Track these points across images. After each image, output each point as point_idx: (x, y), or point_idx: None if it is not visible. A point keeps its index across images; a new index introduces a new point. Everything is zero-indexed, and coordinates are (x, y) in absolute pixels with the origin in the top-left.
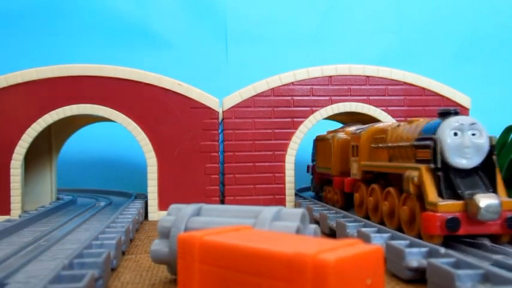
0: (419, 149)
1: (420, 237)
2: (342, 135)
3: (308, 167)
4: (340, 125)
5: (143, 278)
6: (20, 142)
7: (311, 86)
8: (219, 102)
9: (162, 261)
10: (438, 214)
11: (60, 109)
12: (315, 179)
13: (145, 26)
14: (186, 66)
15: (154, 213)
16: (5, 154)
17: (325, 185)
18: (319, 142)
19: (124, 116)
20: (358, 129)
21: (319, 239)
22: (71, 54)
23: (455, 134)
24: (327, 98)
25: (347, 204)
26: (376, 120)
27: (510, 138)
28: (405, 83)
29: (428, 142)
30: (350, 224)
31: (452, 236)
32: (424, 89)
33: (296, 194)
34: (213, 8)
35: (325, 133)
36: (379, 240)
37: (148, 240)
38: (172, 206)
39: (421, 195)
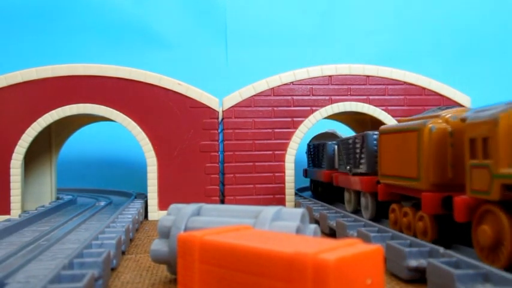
0: None
1: None
2: (438, 123)
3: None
4: (341, 125)
5: (143, 277)
6: (20, 142)
7: (311, 86)
8: (219, 101)
9: (162, 260)
10: None
11: (60, 109)
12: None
13: (145, 26)
14: (186, 66)
15: (154, 213)
16: (5, 154)
17: (394, 202)
18: (385, 136)
19: (124, 116)
20: (483, 111)
21: (319, 239)
22: (70, 54)
23: None
24: (327, 97)
25: (443, 237)
26: (377, 120)
27: None
28: (405, 83)
29: None
30: (350, 223)
31: (452, 236)
32: (424, 88)
33: (296, 194)
34: (213, 8)
35: (390, 124)
36: (379, 240)
37: (148, 239)
38: (172, 206)
39: None
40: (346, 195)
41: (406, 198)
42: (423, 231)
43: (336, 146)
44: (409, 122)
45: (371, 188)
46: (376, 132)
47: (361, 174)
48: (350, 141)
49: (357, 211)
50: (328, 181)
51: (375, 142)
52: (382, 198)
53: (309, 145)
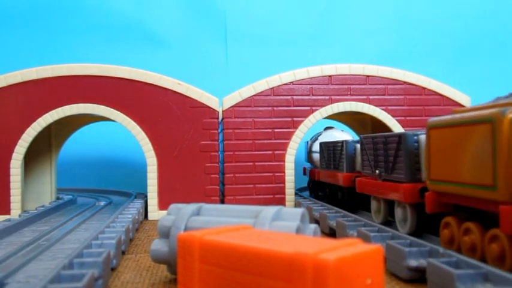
0: None
1: None
2: None
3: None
4: (341, 125)
5: (143, 277)
6: (20, 142)
7: (311, 86)
8: (219, 101)
9: (162, 260)
10: None
11: (60, 108)
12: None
13: (145, 26)
14: (185, 66)
15: (154, 213)
16: (5, 154)
17: (446, 214)
18: (438, 132)
19: (124, 116)
20: None
21: (319, 239)
22: (70, 54)
23: None
24: (327, 97)
25: None
26: (377, 120)
27: None
28: (405, 83)
29: None
30: (350, 223)
31: None
32: (424, 88)
33: (296, 194)
34: (213, 8)
35: (442, 117)
36: (379, 240)
37: (148, 239)
38: (172, 206)
39: None
40: (374, 204)
41: (461, 209)
42: (498, 256)
43: (358, 145)
44: (477, 112)
45: (413, 198)
46: (417, 132)
47: (396, 181)
48: (378, 140)
49: (388, 222)
50: (349, 186)
51: (415, 144)
52: (431, 209)
53: (321, 144)
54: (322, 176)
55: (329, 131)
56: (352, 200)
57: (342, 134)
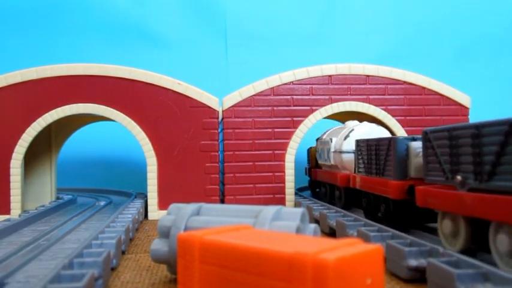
0: None
1: None
2: None
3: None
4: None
5: (143, 277)
6: (20, 142)
7: (311, 85)
8: (219, 101)
9: (162, 260)
10: None
11: (60, 109)
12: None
13: (145, 25)
14: (185, 65)
15: (154, 213)
16: (5, 154)
17: None
18: None
19: (124, 116)
20: None
21: (319, 239)
22: (70, 54)
23: None
24: (327, 97)
25: None
26: (377, 120)
27: None
28: (405, 82)
29: None
30: (350, 223)
31: None
32: (424, 88)
33: (296, 193)
34: (213, 8)
35: None
36: (379, 239)
37: (148, 239)
38: (172, 206)
39: None
40: (447, 224)
41: None
42: None
43: (413, 143)
44: None
45: None
46: None
47: (500, 191)
48: (462, 132)
49: (469, 251)
50: (399, 198)
51: None
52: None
53: (358, 142)
54: (362, 183)
55: (362, 126)
56: (402, 216)
57: (381, 129)
